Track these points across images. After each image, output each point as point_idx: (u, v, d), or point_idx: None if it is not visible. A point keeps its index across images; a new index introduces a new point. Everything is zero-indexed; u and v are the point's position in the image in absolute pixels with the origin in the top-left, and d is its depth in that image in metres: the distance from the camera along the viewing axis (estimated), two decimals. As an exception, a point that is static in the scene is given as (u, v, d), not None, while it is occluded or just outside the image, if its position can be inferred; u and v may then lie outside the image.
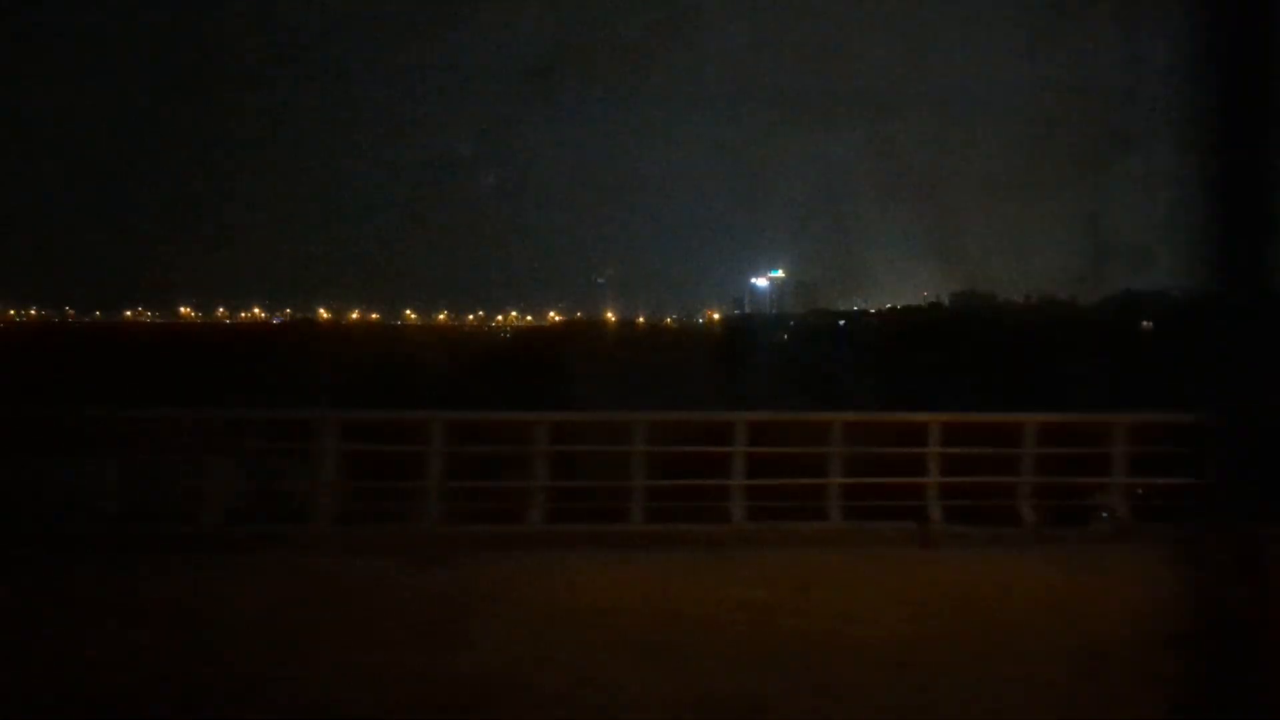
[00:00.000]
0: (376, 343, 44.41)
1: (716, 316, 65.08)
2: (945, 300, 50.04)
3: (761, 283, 68.38)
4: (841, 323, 52.10)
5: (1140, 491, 9.31)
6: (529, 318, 69.14)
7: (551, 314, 68.09)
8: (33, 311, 63.13)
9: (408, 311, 66.76)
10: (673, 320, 63.48)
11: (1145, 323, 43.42)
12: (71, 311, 64.27)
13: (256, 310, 68.70)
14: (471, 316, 69.46)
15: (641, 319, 63.93)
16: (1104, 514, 9.21)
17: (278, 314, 65.25)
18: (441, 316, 68.27)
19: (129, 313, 68.07)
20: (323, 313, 65.80)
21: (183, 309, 68.17)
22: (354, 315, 66.93)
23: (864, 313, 55.53)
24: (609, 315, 63.73)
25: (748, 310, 66.29)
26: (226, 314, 68.28)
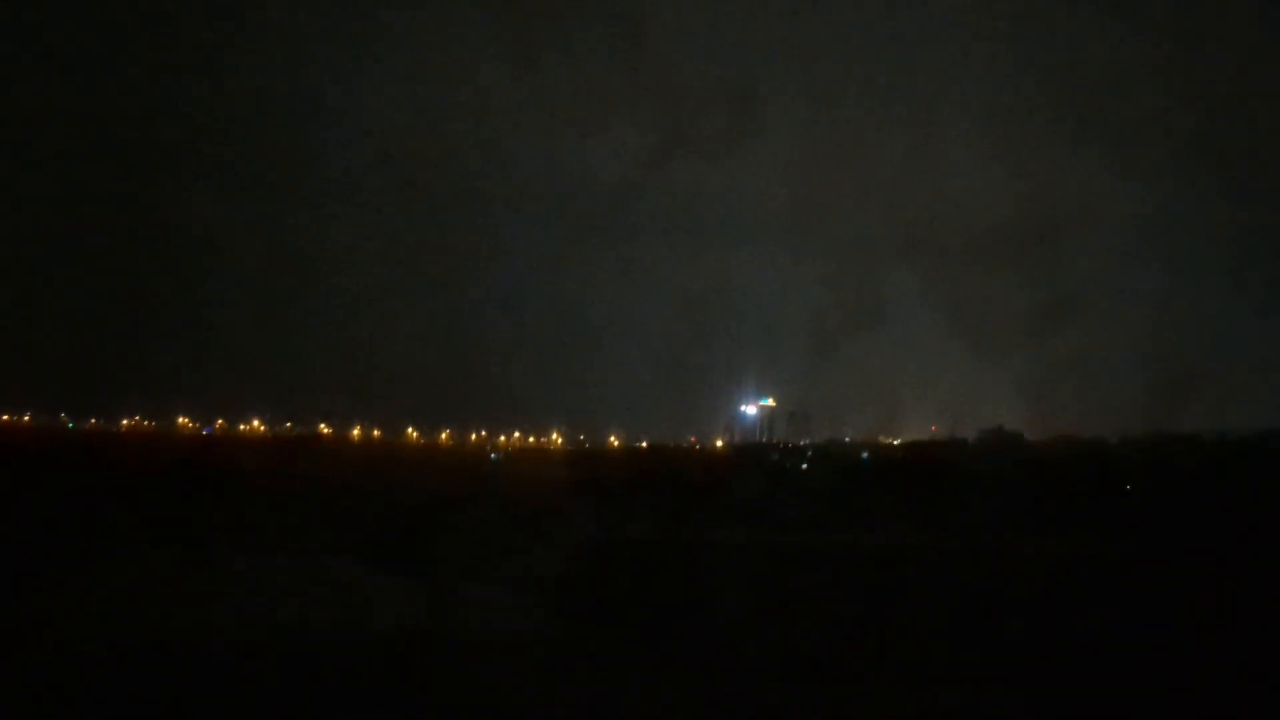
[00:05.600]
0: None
1: (719, 444, 65.12)
2: (970, 436, 50.62)
3: (751, 411, 68.47)
4: (865, 455, 52.28)
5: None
6: (531, 439, 70.66)
7: (555, 436, 69.13)
8: (26, 419, 61.50)
9: (410, 429, 67.59)
10: (676, 446, 63.23)
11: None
12: (66, 418, 63.16)
13: (256, 423, 67.53)
14: (474, 436, 70.20)
15: (645, 444, 64.11)
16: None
17: (209, 426, 66.43)
18: (444, 435, 68.49)
19: (126, 421, 67.59)
20: (324, 428, 63.47)
21: (181, 419, 67.08)
22: (355, 432, 65.98)
23: (879, 445, 55.26)
24: (613, 440, 65.71)
25: (736, 439, 64.70)
26: (224, 425, 67.45)
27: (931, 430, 53.76)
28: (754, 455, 56.07)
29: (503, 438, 73.15)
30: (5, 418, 61.61)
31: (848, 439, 57.85)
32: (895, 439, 55.92)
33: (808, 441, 59.08)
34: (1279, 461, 42.20)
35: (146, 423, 68.29)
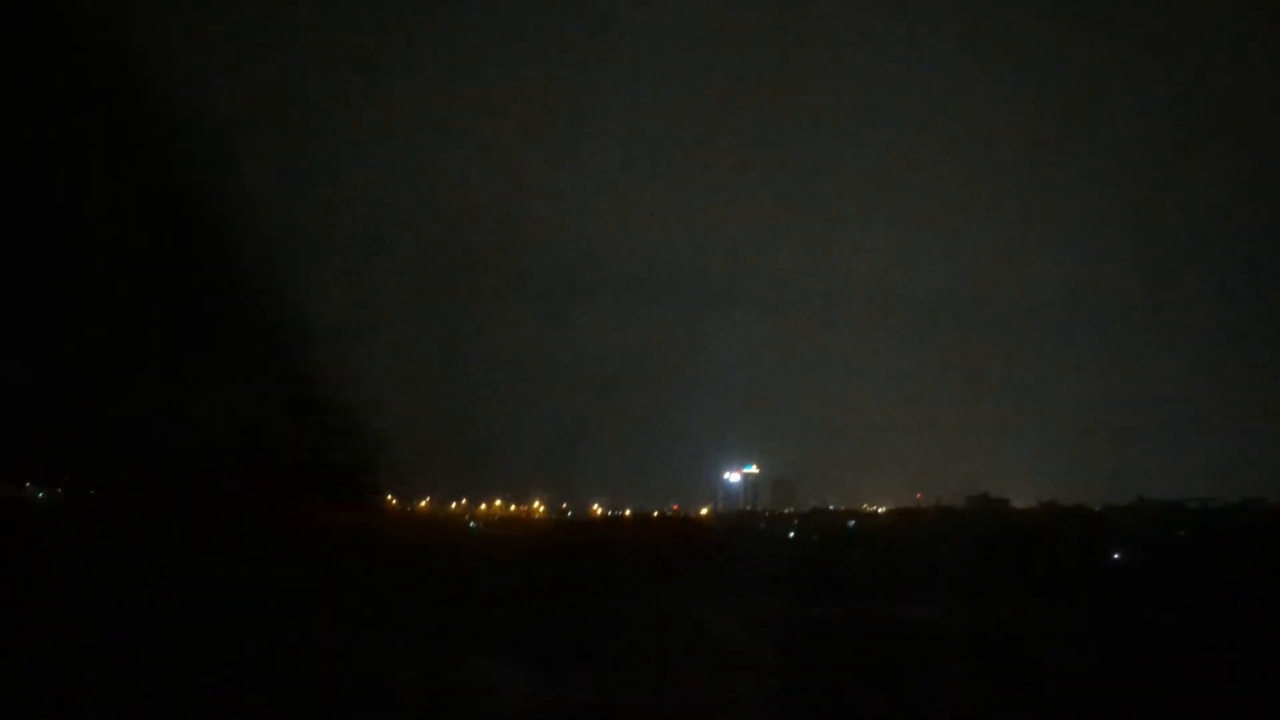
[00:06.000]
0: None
1: (705, 511, 62.64)
2: (960, 503, 48.86)
3: (734, 478, 68.36)
4: (851, 523, 51.33)
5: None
6: (513, 507, 62.76)
7: (536, 504, 61.52)
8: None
9: (388, 496, 37.00)
10: (659, 515, 59.72)
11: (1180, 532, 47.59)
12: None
13: None
14: (454, 504, 57.75)
15: (628, 512, 61.28)
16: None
17: None
18: (423, 503, 49.75)
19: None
20: None
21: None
22: None
23: (865, 513, 54.41)
24: (595, 508, 62.33)
25: (721, 507, 64.61)
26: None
27: (916, 498, 53.94)
28: (743, 523, 55.81)
29: (483, 505, 66.05)
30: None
31: (832, 506, 57.57)
32: (880, 507, 55.61)
33: (792, 509, 59.86)
34: (1261, 529, 42.79)
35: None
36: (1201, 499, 45.53)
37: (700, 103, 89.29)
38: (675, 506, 62.15)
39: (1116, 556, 40.18)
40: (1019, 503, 48.42)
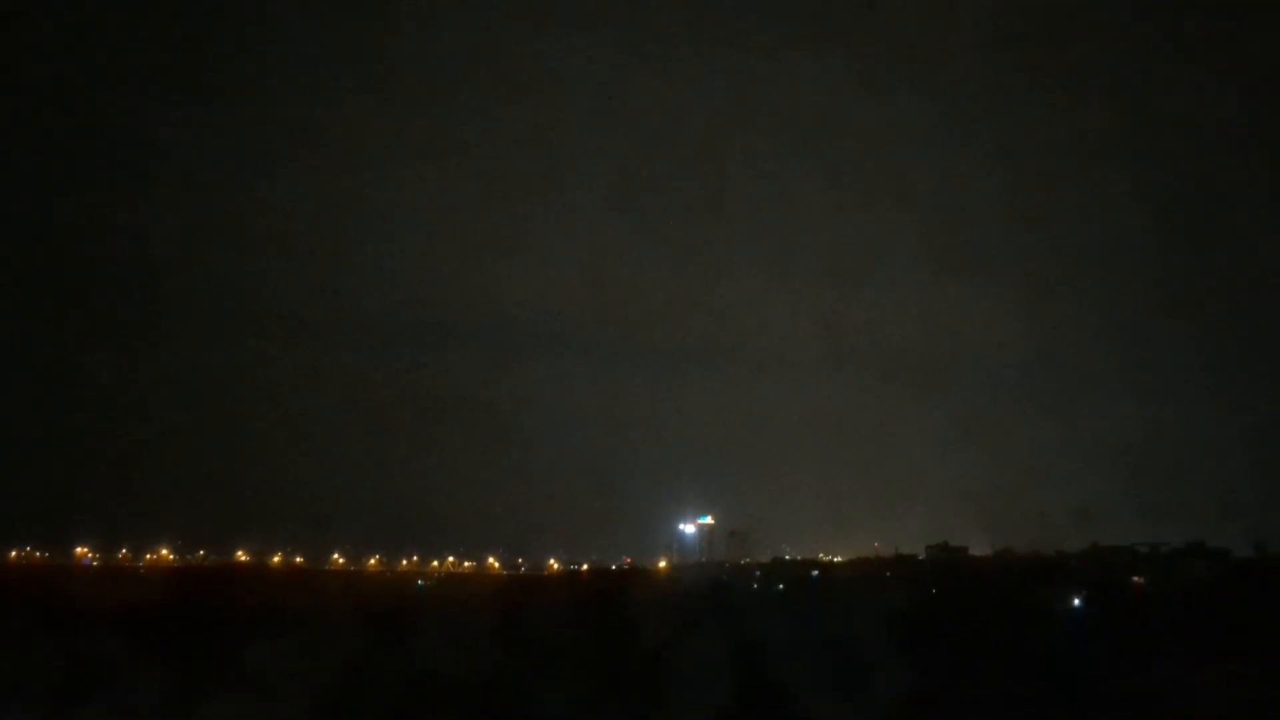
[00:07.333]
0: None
1: (663, 565, 63.73)
2: (921, 554, 50.35)
3: (690, 529, 69.27)
4: (815, 573, 50.61)
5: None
6: (466, 564, 68.78)
7: (491, 560, 67.67)
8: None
9: (335, 556, 65.97)
10: (617, 567, 62.10)
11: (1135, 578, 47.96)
12: None
13: (164, 551, 65.23)
14: (405, 562, 66.57)
15: (586, 566, 63.52)
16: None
17: (90, 555, 61.37)
18: (373, 562, 65.87)
19: (14, 553, 63.34)
20: (242, 555, 61.53)
21: (79, 549, 63.14)
22: (276, 559, 62.95)
23: (826, 563, 54.23)
24: (551, 563, 65.18)
25: (675, 558, 64.86)
26: (129, 555, 64.31)
27: (874, 547, 53.24)
28: (706, 577, 52.04)
29: (435, 563, 69.98)
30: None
31: (788, 557, 56.77)
32: (836, 556, 55.72)
33: (749, 560, 58.64)
34: (1211, 571, 43.49)
35: (39, 554, 64.86)
36: (1149, 544, 46.32)
37: (664, 172, 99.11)
38: (628, 560, 64.63)
39: (1077, 602, 39.84)
40: (977, 550, 48.60)
